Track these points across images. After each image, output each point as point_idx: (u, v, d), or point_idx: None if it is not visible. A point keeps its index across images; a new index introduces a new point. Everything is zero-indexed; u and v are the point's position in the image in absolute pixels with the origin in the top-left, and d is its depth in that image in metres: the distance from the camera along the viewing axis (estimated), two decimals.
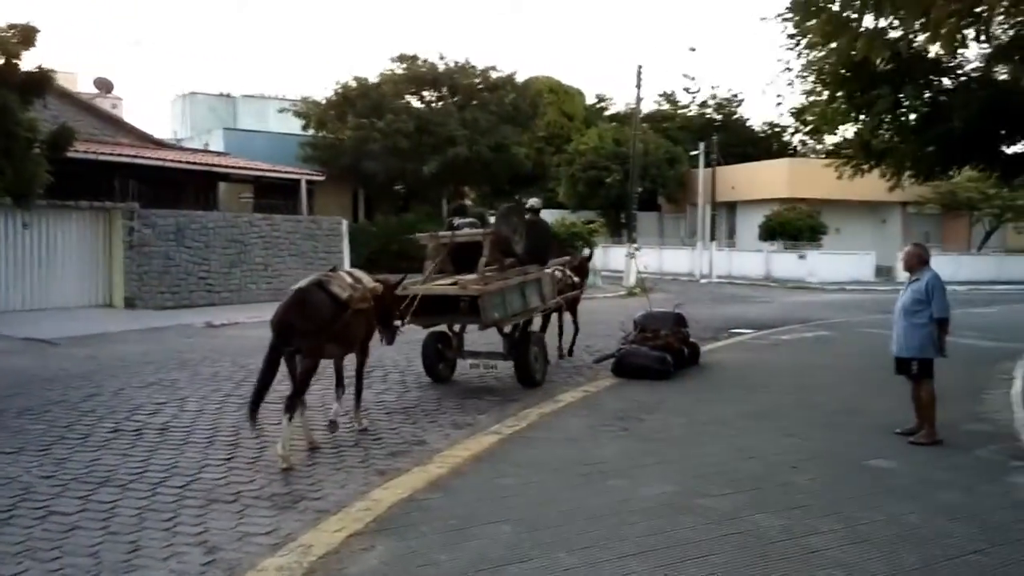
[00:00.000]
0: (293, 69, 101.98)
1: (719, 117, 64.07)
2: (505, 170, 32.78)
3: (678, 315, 13.97)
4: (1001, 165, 15.67)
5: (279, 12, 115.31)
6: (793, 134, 66.50)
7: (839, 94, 14.05)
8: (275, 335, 8.25)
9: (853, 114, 14.58)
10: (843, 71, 13.49)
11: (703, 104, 65.58)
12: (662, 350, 12.90)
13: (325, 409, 9.96)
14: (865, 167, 15.80)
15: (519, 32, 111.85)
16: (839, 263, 42.34)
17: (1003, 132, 14.10)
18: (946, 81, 13.93)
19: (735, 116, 64.94)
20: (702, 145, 49.27)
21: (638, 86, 37.18)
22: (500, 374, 12.31)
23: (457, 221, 13.11)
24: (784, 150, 62.09)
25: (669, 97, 66.07)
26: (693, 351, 13.92)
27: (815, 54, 13.41)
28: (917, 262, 9.31)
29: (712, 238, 46.01)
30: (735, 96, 65.53)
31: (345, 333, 8.90)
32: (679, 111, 65.45)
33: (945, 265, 43.40)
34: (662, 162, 52.16)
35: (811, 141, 66.47)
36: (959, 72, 13.74)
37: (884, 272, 43.48)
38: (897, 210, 48.71)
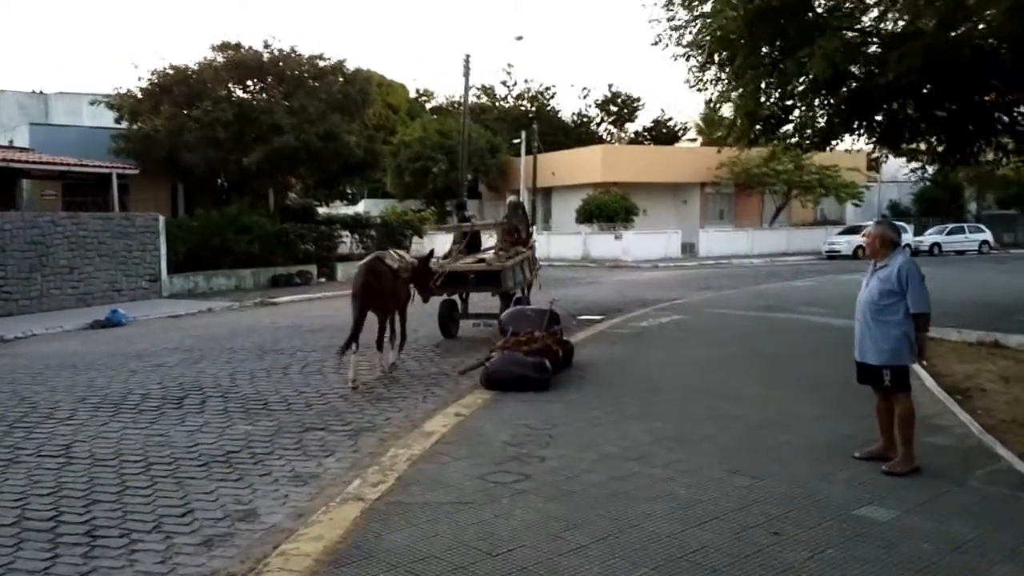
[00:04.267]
0: (112, 65, 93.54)
1: (533, 109, 62.33)
2: (335, 159, 29.51)
3: (552, 312, 11.19)
4: (941, 127, 13.67)
5: (97, 4, 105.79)
6: (600, 123, 65.94)
7: (734, 56, 11.52)
8: (360, 296, 10.68)
9: (745, 78, 12.13)
10: (739, 31, 10.98)
11: (519, 97, 63.82)
12: (539, 355, 10.13)
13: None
14: (752, 137, 13.38)
15: (337, 26, 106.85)
16: (650, 242, 41.69)
17: (943, 90, 11.97)
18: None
19: (548, 108, 63.36)
20: (524, 134, 47.73)
21: (466, 75, 34.72)
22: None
23: (467, 213, 17.14)
24: (593, 138, 61.07)
25: (487, 90, 64.10)
26: (567, 352, 11.19)
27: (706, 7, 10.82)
28: (882, 244, 6.69)
29: (532, 222, 44.16)
30: (548, 89, 64.11)
31: (396, 294, 11.51)
32: (497, 104, 63.49)
33: (741, 240, 44.94)
34: (484, 151, 50.37)
35: (615, 130, 66.53)
36: (870, 26, 11.52)
37: (688, 249, 43.30)
38: (696, 191, 48.30)
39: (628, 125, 67.02)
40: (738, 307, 18.69)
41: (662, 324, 15.90)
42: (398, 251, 12.11)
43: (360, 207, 50.15)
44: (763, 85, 12.41)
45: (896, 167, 30.94)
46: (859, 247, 40.19)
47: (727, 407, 8.80)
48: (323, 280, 28.44)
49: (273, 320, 17.94)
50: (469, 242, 15.22)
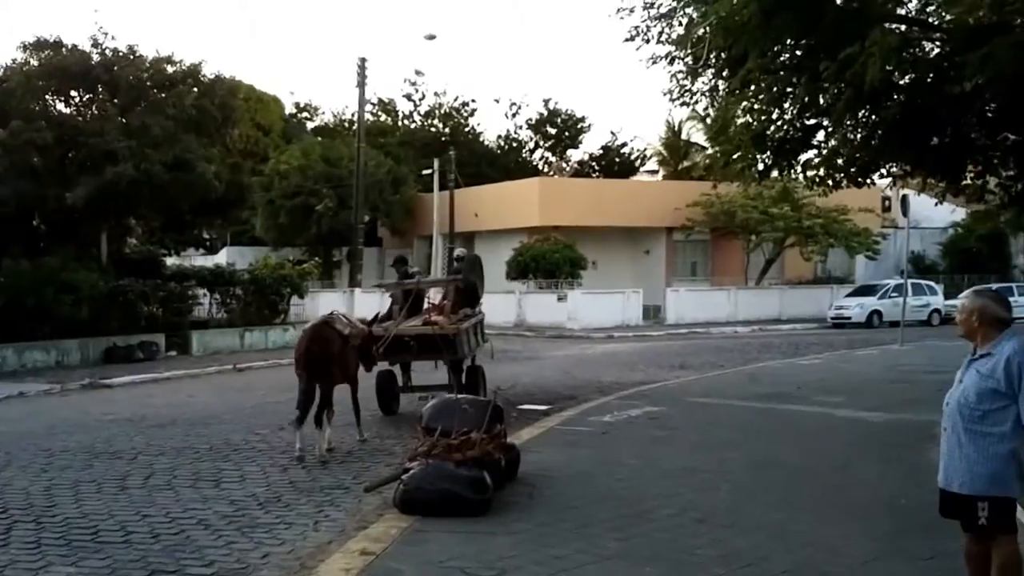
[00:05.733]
0: None
1: (447, 130, 62.68)
2: (188, 194, 29.01)
3: (495, 406, 10.80)
4: (1017, 156, 13.52)
5: None
6: (533, 150, 66.55)
7: (743, 56, 11.24)
8: (304, 363, 12.56)
9: (757, 85, 11.91)
10: (753, 20, 10.70)
11: (429, 114, 64.10)
12: (476, 465, 9.72)
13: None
14: (763, 167, 13.23)
15: (190, 21, 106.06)
16: (603, 304, 42.11)
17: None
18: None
19: (467, 129, 63.78)
20: (436, 162, 47.87)
21: (360, 85, 34.49)
22: None
23: (412, 270, 18.68)
24: (526, 169, 61.60)
25: (388, 106, 64.06)
26: (512, 459, 10.82)
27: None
28: (981, 322, 6.23)
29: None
30: (466, 105, 64.35)
31: (344, 363, 13.23)
32: (401, 123, 63.66)
33: (720, 302, 45.36)
34: (385, 184, 50.64)
35: (554, 158, 67.15)
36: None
37: (652, 313, 43.78)
38: (662, 237, 49.19)
39: (571, 152, 68.07)
40: (729, 394, 18.61)
41: (631, 418, 15.67)
42: (347, 315, 14.14)
43: (221, 257, 49.59)
44: (780, 96, 12.20)
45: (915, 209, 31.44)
46: (874, 312, 40.95)
47: (741, 543, 8.35)
48: (173, 354, 28.30)
49: (107, 410, 17.64)
50: (412, 303, 16.48)
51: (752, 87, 12.52)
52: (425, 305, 17.09)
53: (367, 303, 37.78)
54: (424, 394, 15.69)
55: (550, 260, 42.44)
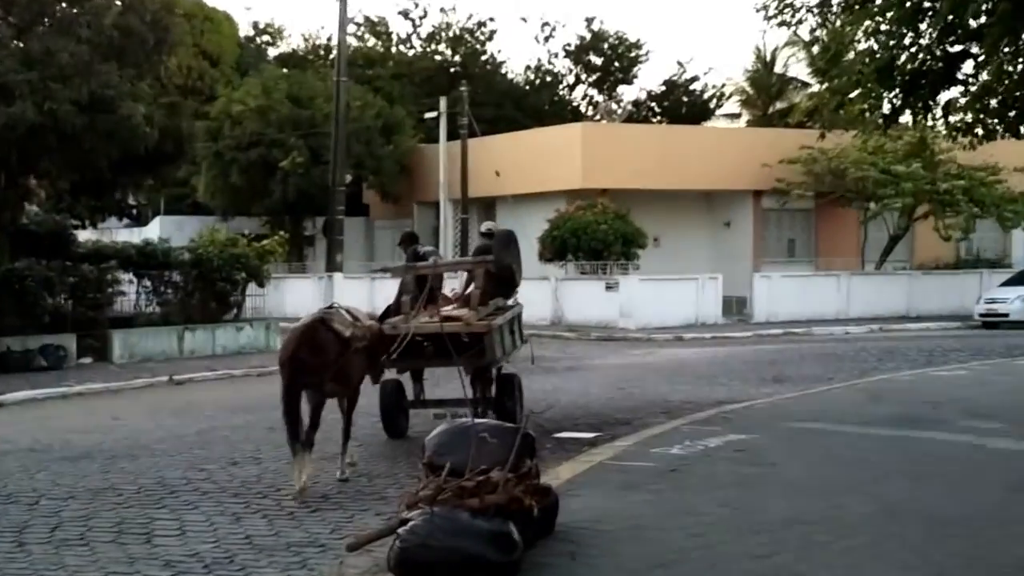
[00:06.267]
0: None
1: (458, 59, 62.80)
2: (108, 145, 28.97)
3: (526, 436, 10.78)
4: None
5: None
6: (573, 87, 66.60)
7: None
8: (288, 372, 13.24)
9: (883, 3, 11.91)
10: None
11: (433, 38, 64.14)
12: (499, 514, 9.74)
13: None
14: (890, 110, 13.28)
15: None
16: (668, 295, 42.35)
17: None
18: None
19: (484, 58, 63.88)
20: (443, 103, 47.75)
21: None
22: None
23: (424, 249, 18.68)
24: (561, 111, 61.73)
25: (377, 27, 64.17)
26: (547, 507, 10.85)
27: None
28: None
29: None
30: (482, 26, 64.28)
31: (345, 372, 13.79)
32: (394, 50, 63.78)
33: (827, 292, 45.33)
34: (374, 132, 50.79)
35: (601, 98, 67.16)
36: None
37: (734, 308, 44.12)
38: (747, 204, 49.13)
39: (622, 90, 68.09)
40: (842, 418, 18.57)
41: (709, 451, 15.67)
42: (350, 309, 14.59)
43: (153, 230, 49.84)
44: (915, 13, 12.20)
45: None
46: None
47: None
48: (88, 361, 28.58)
49: None
50: (427, 293, 16.94)
51: (878, 1, 12.53)
52: (449, 294, 18.00)
53: (351, 293, 37.97)
54: (440, 411, 16.27)
55: (596, 235, 42.45)
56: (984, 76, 14.78)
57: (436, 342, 15.79)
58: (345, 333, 13.58)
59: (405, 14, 64.16)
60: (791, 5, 14.53)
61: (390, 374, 17.00)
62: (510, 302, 18.22)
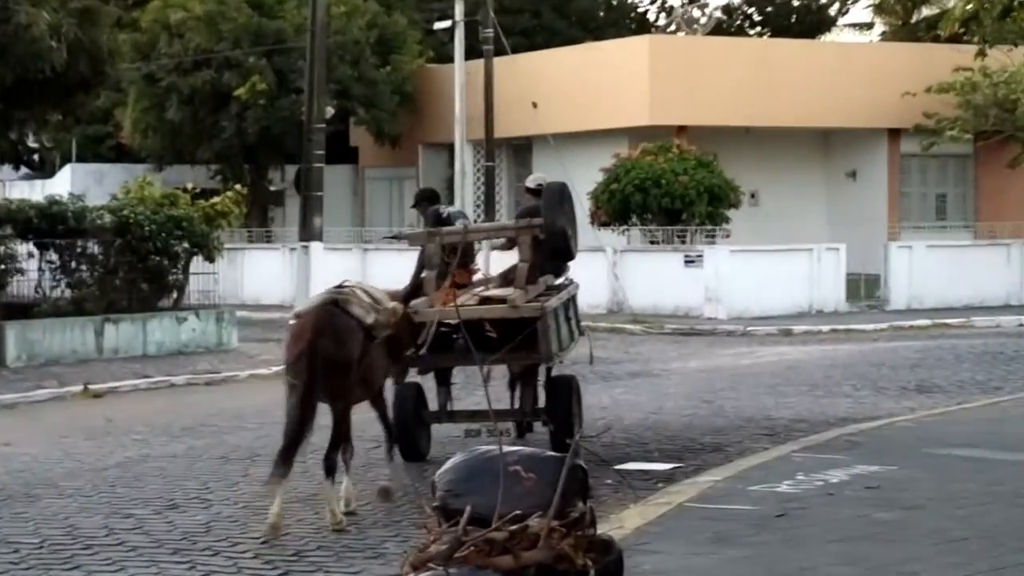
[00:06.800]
0: None
1: None
2: (1, 65, 29.14)
3: (574, 467, 10.66)
4: None
5: None
6: None
7: None
8: (306, 373, 13.25)
9: None
10: None
11: None
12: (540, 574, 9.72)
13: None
14: None
15: None
16: (771, 272, 42.59)
17: None
18: None
19: None
20: (459, 5, 47.69)
21: None
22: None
23: (448, 210, 19.36)
24: (620, 18, 61.89)
25: None
26: (606, 569, 10.75)
27: None
28: None
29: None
30: None
31: (370, 369, 14.42)
32: None
33: (991, 272, 45.18)
34: (364, 49, 50.65)
35: (680, 1, 67.25)
36: None
37: (863, 289, 44.28)
38: (881, 147, 49.09)
39: None
40: (1019, 444, 18.59)
41: (831, 488, 15.72)
42: (368, 288, 14.98)
43: (61, 183, 50.05)
44: None
45: None
46: None
47: None
48: None
49: None
50: (459, 263, 17.52)
51: None
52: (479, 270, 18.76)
53: (334, 270, 37.93)
54: (474, 427, 16.99)
55: (671, 190, 42.65)
56: None
57: (473, 333, 15.51)
58: (367, 319, 13.88)
59: None
60: None
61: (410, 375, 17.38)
62: (566, 279, 18.59)
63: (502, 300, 16.56)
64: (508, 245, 19.17)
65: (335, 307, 13.76)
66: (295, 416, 13.09)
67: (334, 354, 13.31)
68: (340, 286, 14.59)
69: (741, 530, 13.52)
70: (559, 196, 18.15)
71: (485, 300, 16.67)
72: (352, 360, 13.59)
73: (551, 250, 17.58)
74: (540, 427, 18.55)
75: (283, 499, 13.32)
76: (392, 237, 32.23)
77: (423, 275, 17.20)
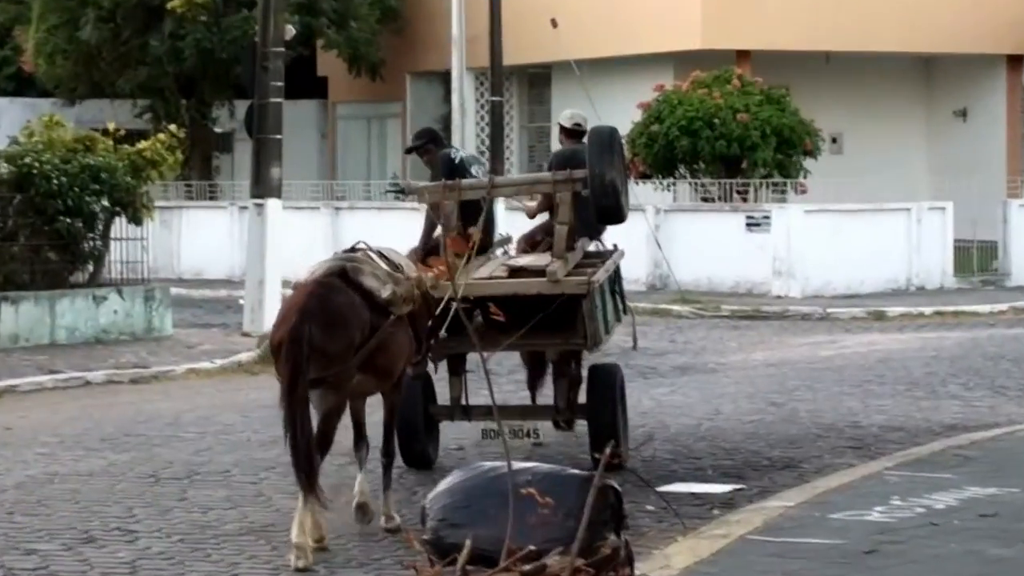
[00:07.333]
0: None
1: None
2: None
3: (604, 488, 10.69)
4: None
5: None
6: None
7: None
8: (289, 361, 13.09)
9: None
10: None
11: None
12: None
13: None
14: None
15: None
16: (856, 238, 42.85)
17: None
18: None
19: None
20: None
21: None
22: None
23: (458, 154, 19.42)
24: None
25: None
26: None
27: None
28: None
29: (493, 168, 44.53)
30: None
31: (384, 354, 14.24)
32: None
33: None
34: None
35: None
36: None
37: (976, 260, 44.81)
38: (998, 79, 48.94)
39: None
40: None
41: (934, 516, 15.62)
42: (386, 253, 15.19)
43: None
44: None
45: None
46: None
47: None
48: None
49: None
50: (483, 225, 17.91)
51: None
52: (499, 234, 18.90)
53: (297, 234, 37.91)
54: (493, 427, 16.94)
55: (730, 132, 42.83)
56: None
57: (505, 307, 15.34)
58: (382, 293, 13.80)
59: None
60: None
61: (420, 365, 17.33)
62: (609, 245, 19.30)
63: (539, 271, 16.61)
64: (542, 206, 19.19)
65: (340, 279, 13.64)
66: (286, 421, 12.92)
67: (324, 343, 13.04)
68: (352, 248, 14.60)
69: (819, 570, 13.44)
70: (607, 140, 17.91)
71: (516, 272, 16.77)
72: (348, 349, 13.37)
73: (598, 209, 17.58)
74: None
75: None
76: (394, 187, 33.33)
77: (438, 236, 17.33)
